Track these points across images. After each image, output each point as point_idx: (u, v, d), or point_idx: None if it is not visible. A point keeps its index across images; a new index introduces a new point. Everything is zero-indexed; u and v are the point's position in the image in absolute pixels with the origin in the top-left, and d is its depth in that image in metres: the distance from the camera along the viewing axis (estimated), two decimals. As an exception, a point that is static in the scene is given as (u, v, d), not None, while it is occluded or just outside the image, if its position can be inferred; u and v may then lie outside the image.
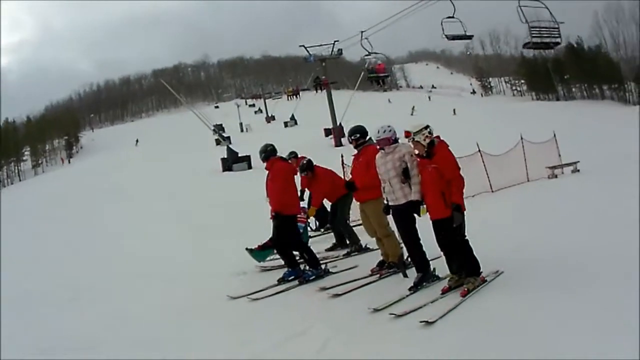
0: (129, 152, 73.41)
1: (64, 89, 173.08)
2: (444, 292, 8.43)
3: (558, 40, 26.80)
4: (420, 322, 7.28)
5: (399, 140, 9.24)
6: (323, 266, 11.05)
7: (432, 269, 9.20)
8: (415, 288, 8.84)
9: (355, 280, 10.02)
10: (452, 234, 8.38)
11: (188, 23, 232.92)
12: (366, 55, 38.81)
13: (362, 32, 40.33)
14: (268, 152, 11.44)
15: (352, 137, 10.53)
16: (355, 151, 10.64)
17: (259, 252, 12.41)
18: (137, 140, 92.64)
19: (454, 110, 77.35)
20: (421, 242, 9.14)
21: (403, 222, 9.10)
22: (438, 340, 6.86)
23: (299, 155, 14.89)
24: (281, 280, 10.75)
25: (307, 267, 10.93)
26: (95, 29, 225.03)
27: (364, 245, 12.55)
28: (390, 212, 9.35)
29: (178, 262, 13.85)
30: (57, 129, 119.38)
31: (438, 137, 8.61)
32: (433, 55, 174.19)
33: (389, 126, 9.25)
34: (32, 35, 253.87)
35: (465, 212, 8.41)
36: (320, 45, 56.18)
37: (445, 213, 8.30)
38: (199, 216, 22.07)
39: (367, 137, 10.51)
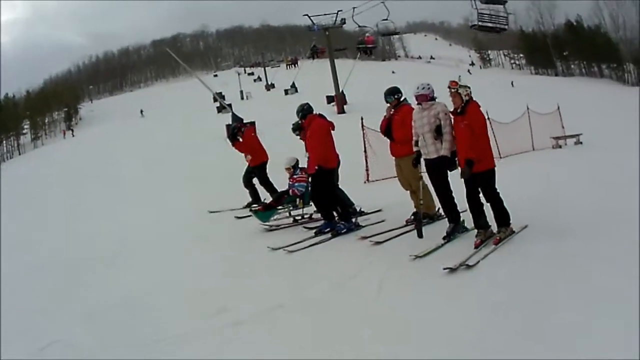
0: (131, 122, 73.15)
1: (59, 63, 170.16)
2: (477, 246, 8.78)
3: (504, 27, 32.03)
4: (461, 265, 7.85)
5: (436, 99, 9.62)
6: (354, 219, 11.41)
7: (462, 220, 9.64)
8: (448, 237, 9.32)
9: (392, 230, 10.51)
10: (485, 187, 8.87)
11: None
12: (365, 25, 39.94)
13: (353, 8, 42.92)
14: (305, 111, 11.71)
15: (395, 97, 10.90)
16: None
17: (263, 213, 12.79)
18: (141, 111, 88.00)
19: (512, 82, 77.72)
20: (453, 194, 9.57)
21: (435, 174, 9.55)
22: (482, 277, 7.50)
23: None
24: (318, 233, 11.14)
25: (339, 220, 11.24)
26: (84, 3, 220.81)
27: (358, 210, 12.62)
28: (422, 165, 9.89)
29: (201, 226, 14.16)
30: (57, 101, 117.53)
31: (471, 97, 9.01)
32: (432, 27, 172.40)
33: (428, 84, 9.60)
34: (22, 13, 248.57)
35: (495, 167, 8.98)
36: (325, 14, 56.29)
37: (476, 168, 8.68)
38: (211, 181, 22.39)
39: (402, 97, 10.96)
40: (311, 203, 12.74)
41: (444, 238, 9.30)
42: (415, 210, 10.90)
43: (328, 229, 11.13)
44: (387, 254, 9.18)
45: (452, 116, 9.21)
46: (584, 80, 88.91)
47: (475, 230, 9.18)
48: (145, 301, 8.57)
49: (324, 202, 11.41)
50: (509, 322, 6.08)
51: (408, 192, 11.14)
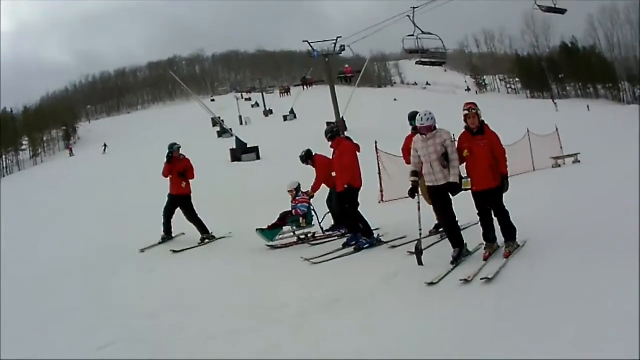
0: (133, 143, 73.87)
1: (46, 80, 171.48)
2: (486, 258, 9.35)
3: (444, 60, 43.93)
4: (482, 279, 8.28)
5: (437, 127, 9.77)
6: (375, 235, 12.26)
7: (465, 244, 9.82)
8: (455, 261, 9.47)
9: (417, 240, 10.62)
10: (497, 203, 9.39)
11: (171, 16, 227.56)
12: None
13: (338, 37, 53.29)
14: (334, 132, 12.76)
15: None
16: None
17: (269, 232, 13.55)
18: (104, 146, 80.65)
19: (588, 106, 79.23)
20: (457, 219, 9.85)
21: (442, 201, 9.73)
22: (502, 288, 7.99)
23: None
24: (345, 245, 12.11)
25: (362, 236, 12.05)
26: (72, 21, 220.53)
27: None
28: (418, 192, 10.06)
29: (233, 239, 15.14)
30: (55, 119, 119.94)
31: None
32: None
33: (430, 113, 9.70)
34: (7, 27, 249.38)
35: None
36: (324, 41, 57.43)
37: (492, 184, 9.28)
38: (223, 201, 23.33)
39: None
40: (314, 223, 13.94)
41: (452, 263, 9.47)
42: (437, 222, 11.68)
43: (354, 242, 12.01)
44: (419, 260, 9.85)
45: (462, 138, 9.66)
46: (580, 102, 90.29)
47: (484, 244, 9.75)
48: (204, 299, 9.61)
49: (350, 218, 12.23)
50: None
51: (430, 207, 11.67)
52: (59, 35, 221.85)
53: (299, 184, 14.25)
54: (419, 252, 9.84)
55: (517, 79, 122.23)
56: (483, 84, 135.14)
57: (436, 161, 9.54)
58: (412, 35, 39.46)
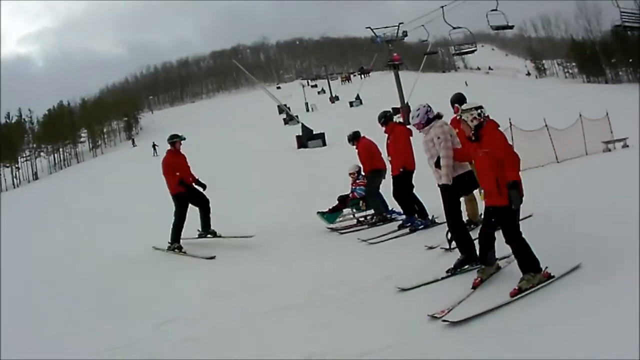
0: (198, 132, 74.49)
1: (103, 74, 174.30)
2: (475, 286, 7.73)
3: (474, 49, 49.90)
4: (444, 321, 6.77)
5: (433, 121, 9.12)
6: (430, 216, 12.48)
7: (477, 252, 8.36)
8: (453, 270, 8.49)
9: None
10: (506, 226, 7.41)
11: (230, 4, 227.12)
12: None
13: (400, 23, 58.24)
14: (387, 118, 13.07)
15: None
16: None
17: (330, 215, 14.17)
18: (154, 146, 65.57)
19: None
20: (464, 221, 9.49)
21: (444, 200, 8.92)
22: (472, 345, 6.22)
23: None
24: (401, 226, 12.55)
25: (418, 217, 12.44)
26: (120, 14, 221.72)
27: (388, 216, 13.93)
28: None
29: (295, 224, 15.32)
30: (115, 110, 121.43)
31: (488, 117, 7.64)
32: (488, 37, 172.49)
33: (418, 109, 9.24)
34: (51, 23, 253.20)
35: (522, 197, 7.24)
36: (386, 27, 58.27)
37: (499, 201, 7.30)
38: (291, 187, 23.93)
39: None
40: None
41: (447, 271, 8.49)
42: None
43: (409, 224, 12.41)
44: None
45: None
46: (631, 87, 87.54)
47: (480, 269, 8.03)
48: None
49: (406, 200, 12.56)
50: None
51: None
52: (108, 28, 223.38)
53: (360, 168, 14.55)
54: (448, 240, 9.20)
55: (573, 64, 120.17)
56: (542, 68, 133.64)
57: (430, 160, 9.05)
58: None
